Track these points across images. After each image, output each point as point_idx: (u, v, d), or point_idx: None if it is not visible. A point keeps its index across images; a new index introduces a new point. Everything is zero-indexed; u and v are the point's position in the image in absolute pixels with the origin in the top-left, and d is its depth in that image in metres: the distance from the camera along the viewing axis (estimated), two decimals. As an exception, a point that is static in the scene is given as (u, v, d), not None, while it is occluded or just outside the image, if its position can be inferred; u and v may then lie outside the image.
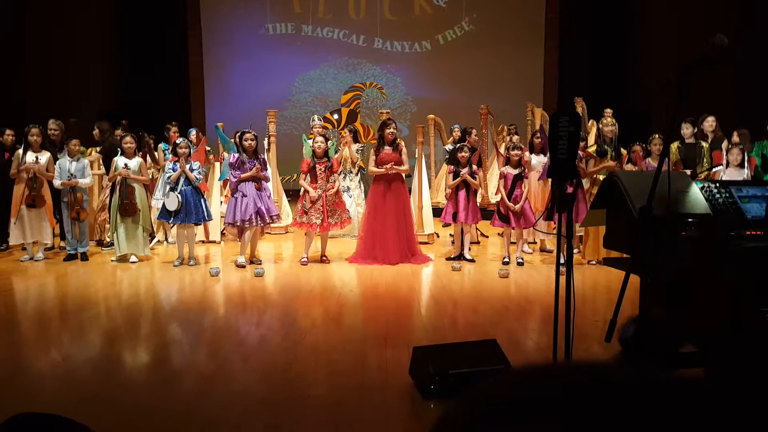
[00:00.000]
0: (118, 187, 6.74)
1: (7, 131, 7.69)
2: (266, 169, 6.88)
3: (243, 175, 6.54)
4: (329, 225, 6.68)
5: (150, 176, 7.98)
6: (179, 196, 6.53)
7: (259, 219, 6.56)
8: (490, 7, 13.15)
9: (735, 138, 7.22)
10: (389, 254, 6.63)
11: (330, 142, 6.98)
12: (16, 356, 4.05)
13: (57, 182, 6.79)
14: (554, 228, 7.60)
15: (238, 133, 6.87)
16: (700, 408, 0.39)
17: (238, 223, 6.53)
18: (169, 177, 6.61)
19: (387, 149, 6.73)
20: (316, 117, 8.62)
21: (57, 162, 6.88)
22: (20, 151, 6.89)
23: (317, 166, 6.66)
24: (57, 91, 11.00)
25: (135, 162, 6.80)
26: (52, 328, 4.80)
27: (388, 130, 6.74)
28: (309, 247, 6.79)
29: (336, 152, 7.39)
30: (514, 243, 6.90)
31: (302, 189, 6.77)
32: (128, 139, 6.79)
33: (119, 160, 6.77)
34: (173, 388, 3.52)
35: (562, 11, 12.93)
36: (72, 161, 6.86)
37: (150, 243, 7.38)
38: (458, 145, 7.16)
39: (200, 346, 4.35)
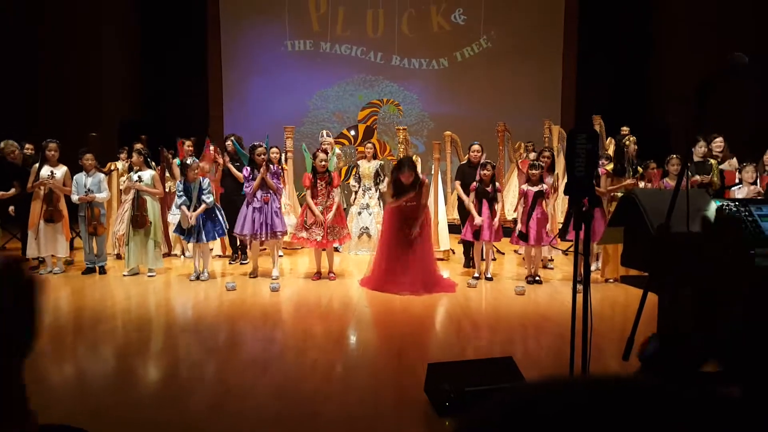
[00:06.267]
0: (131, 199, 6.85)
1: (27, 145, 7.83)
2: (279, 181, 6.91)
3: (252, 186, 6.58)
4: (329, 242, 6.65)
5: (167, 190, 8.04)
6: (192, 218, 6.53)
7: (265, 233, 6.58)
8: (509, 24, 13.17)
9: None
10: (401, 286, 6.12)
11: (330, 155, 6.96)
12: (31, 368, 4.08)
13: (75, 197, 6.88)
14: (570, 246, 7.51)
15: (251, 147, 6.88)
16: (725, 421, 0.38)
17: (245, 235, 6.65)
18: (181, 194, 6.64)
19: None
20: (324, 132, 8.66)
21: (74, 177, 6.97)
22: (37, 165, 6.97)
23: (318, 182, 6.66)
24: (77, 106, 11.20)
25: (148, 174, 6.90)
26: (68, 341, 4.84)
27: (401, 175, 6.16)
28: (320, 262, 6.79)
29: (333, 166, 7.07)
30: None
31: (304, 203, 6.80)
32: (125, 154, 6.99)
33: (133, 173, 6.90)
34: (186, 403, 3.52)
35: (580, 28, 12.91)
36: (88, 176, 6.94)
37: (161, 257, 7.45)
38: (481, 162, 6.79)
39: (214, 361, 4.35)
